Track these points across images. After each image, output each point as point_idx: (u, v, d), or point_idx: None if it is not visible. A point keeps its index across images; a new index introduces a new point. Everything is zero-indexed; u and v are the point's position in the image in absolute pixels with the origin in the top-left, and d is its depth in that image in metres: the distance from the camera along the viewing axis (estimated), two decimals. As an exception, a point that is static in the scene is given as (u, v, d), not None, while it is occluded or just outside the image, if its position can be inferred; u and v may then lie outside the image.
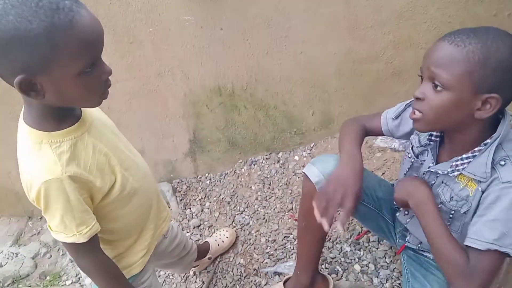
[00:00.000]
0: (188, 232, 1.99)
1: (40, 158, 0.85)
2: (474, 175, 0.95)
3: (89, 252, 0.97)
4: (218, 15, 1.77)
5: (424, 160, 1.10)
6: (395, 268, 1.51)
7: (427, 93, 0.92)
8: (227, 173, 2.18)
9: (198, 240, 1.94)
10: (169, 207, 2.14)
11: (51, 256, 2.16)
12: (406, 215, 1.21)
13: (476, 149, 0.94)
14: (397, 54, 1.82)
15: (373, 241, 1.61)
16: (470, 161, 0.96)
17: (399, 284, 1.43)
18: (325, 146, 2.10)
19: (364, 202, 1.25)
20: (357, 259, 1.57)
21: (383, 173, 1.82)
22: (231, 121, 2.05)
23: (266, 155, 2.16)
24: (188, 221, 2.04)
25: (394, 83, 1.89)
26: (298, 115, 2.03)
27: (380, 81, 1.88)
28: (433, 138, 1.07)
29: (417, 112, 0.95)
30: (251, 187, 2.08)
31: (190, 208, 2.10)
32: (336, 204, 1.02)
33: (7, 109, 1.98)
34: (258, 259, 1.74)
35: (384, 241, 1.58)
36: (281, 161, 2.12)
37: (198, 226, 2.01)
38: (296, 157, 2.13)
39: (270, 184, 2.05)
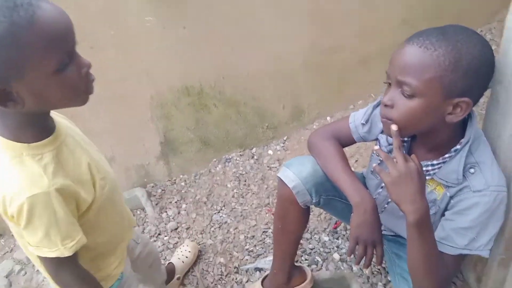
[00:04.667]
0: (166, 236, 1.96)
1: (23, 172, 0.79)
2: (446, 181, 0.95)
3: (71, 265, 0.92)
4: (180, 14, 1.74)
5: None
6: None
7: (396, 100, 0.88)
8: (202, 173, 2.16)
9: (176, 243, 1.91)
10: (145, 212, 2.10)
11: (25, 273, 2.08)
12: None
13: (446, 155, 0.94)
14: (362, 43, 1.84)
15: (349, 228, 1.62)
16: (440, 167, 0.96)
17: (379, 269, 1.44)
18: (298, 138, 2.10)
19: (340, 198, 1.24)
20: (336, 248, 1.58)
21: (356, 161, 1.84)
22: (201, 120, 2.03)
23: (240, 152, 2.15)
24: (165, 224, 2.01)
25: (361, 72, 1.91)
26: (269, 109, 2.03)
27: (347, 70, 1.89)
28: (404, 139, 1.04)
29: (388, 120, 0.91)
30: (227, 185, 2.06)
31: (166, 212, 2.07)
32: (372, 247, 1.03)
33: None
34: (238, 257, 1.73)
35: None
36: (255, 157, 2.12)
37: (176, 229, 1.98)
38: (270, 152, 2.12)
39: (245, 181, 2.04)
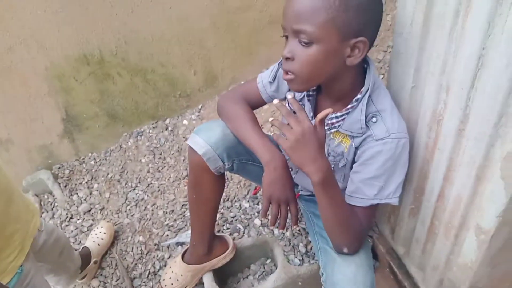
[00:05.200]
0: (78, 219, 1.81)
1: None
2: (351, 132, 0.95)
3: None
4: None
5: None
6: (294, 215, 1.52)
7: (296, 51, 0.86)
8: (113, 150, 2.01)
9: (91, 225, 1.78)
10: (53, 196, 1.92)
11: None
12: (291, 171, 1.20)
13: (349, 106, 0.94)
14: (271, 1, 1.77)
15: (262, 188, 1.60)
16: (344, 118, 0.95)
17: (299, 231, 1.44)
18: (214, 106, 2.02)
19: (254, 162, 1.20)
20: (256, 214, 1.55)
21: (272, 126, 1.80)
22: (106, 91, 1.86)
23: (153, 123, 2.02)
24: (77, 207, 1.86)
25: (272, 32, 1.85)
26: (180, 76, 1.91)
27: (258, 31, 1.82)
28: (310, 93, 1.02)
29: (289, 73, 0.89)
30: (141, 160, 1.94)
31: (77, 193, 1.91)
32: (286, 206, 0.99)
33: None
34: (158, 233, 1.64)
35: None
36: (169, 128, 2.00)
37: (89, 211, 1.84)
38: (185, 122, 2.02)
39: (161, 154, 1.93)
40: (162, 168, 1.88)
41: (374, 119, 0.92)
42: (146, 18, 1.69)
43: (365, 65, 0.94)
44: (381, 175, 0.92)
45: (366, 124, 0.93)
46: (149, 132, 2.00)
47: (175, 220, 1.66)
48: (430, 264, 1.11)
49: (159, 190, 1.80)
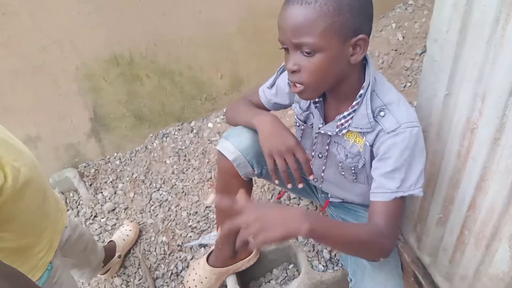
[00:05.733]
0: (103, 218, 1.84)
1: None
2: (361, 128, 0.95)
3: None
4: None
5: (312, 124, 1.07)
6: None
7: (300, 63, 0.86)
8: (138, 150, 2.04)
9: (114, 224, 1.80)
10: (78, 194, 1.96)
11: None
12: (316, 182, 1.20)
13: (354, 103, 0.94)
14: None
15: (294, 198, 1.60)
16: (352, 116, 0.95)
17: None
18: (238, 110, 2.03)
19: None
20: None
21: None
22: (134, 93, 1.89)
23: (178, 125, 2.04)
24: (102, 206, 1.89)
25: (299, 37, 1.86)
26: (206, 80, 1.93)
27: (285, 36, 1.83)
28: (316, 99, 1.02)
29: (298, 85, 0.89)
30: (165, 161, 1.96)
31: (102, 192, 1.94)
32: (291, 155, 0.96)
33: None
34: (181, 234, 1.66)
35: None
36: (194, 130, 2.02)
37: (113, 210, 1.87)
38: (210, 124, 2.04)
39: (185, 156, 1.95)
40: (187, 170, 1.89)
41: (382, 113, 0.92)
42: (176, 22, 1.72)
43: (364, 62, 0.95)
44: (401, 167, 0.91)
45: (375, 119, 0.92)
46: (174, 134, 2.02)
47: (198, 221, 1.68)
48: (458, 274, 1.09)
49: (183, 192, 1.82)
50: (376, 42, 1.81)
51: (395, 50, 1.80)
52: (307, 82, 0.88)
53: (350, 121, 0.96)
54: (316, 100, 1.02)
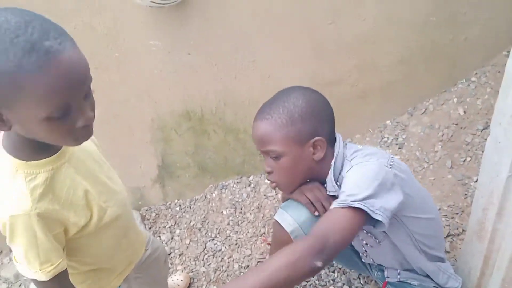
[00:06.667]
0: (158, 261, 1.92)
1: (11, 190, 0.79)
2: (329, 191, 1.09)
3: (56, 286, 0.90)
4: (185, 40, 1.77)
5: None
6: (369, 288, 1.51)
7: (271, 165, 1.06)
8: (198, 199, 2.14)
9: (169, 269, 1.88)
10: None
11: (11, 293, 2.03)
12: (362, 255, 1.28)
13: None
14: (361, 78, 1.87)
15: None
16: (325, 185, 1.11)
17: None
18: (295, 169, 2.10)
19: None
20: (331, 281, 1.56)
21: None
22: (200, 145, 2.03)
23: (237, 179, 2.14)
24: (158, 249, 1.98)
25: (359, 105, 1.93)
26: (268, 138, 2.04)
27: (346, 102, 1.92)
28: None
29: (273, 183, 1.10)
30: (222, 212, 2.04)
31: (159, 236, 2.04)
32: (318, 190, 1.10)
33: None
34: (231, 286, 1.69)
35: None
36: (252, 185, 2.11)
37: (169, 254, 1.95)
38: (267, 181, 2.12)
39: (241, 209, 2.03)
40: (242, 222, 1.96)
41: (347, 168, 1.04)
42: (246, 84, 1.87)
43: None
44: (353, 187, 0.95)
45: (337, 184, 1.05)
46: (233, 186, 2.12)
47: (249, 275, 1.71)
48: None
49: (236, 244, 1.87)
50: (437, 115, 1.84)
51: (456, 124, 1.82)
52: (278, 181, 1.09)
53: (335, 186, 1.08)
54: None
